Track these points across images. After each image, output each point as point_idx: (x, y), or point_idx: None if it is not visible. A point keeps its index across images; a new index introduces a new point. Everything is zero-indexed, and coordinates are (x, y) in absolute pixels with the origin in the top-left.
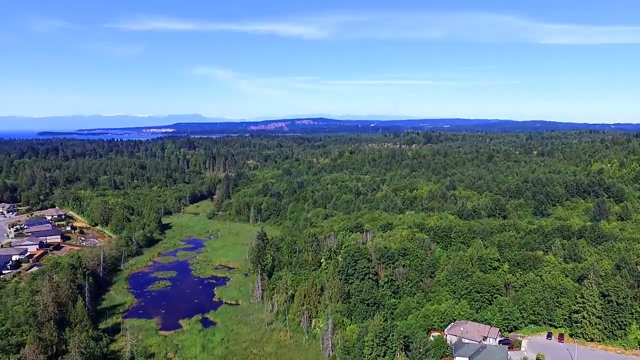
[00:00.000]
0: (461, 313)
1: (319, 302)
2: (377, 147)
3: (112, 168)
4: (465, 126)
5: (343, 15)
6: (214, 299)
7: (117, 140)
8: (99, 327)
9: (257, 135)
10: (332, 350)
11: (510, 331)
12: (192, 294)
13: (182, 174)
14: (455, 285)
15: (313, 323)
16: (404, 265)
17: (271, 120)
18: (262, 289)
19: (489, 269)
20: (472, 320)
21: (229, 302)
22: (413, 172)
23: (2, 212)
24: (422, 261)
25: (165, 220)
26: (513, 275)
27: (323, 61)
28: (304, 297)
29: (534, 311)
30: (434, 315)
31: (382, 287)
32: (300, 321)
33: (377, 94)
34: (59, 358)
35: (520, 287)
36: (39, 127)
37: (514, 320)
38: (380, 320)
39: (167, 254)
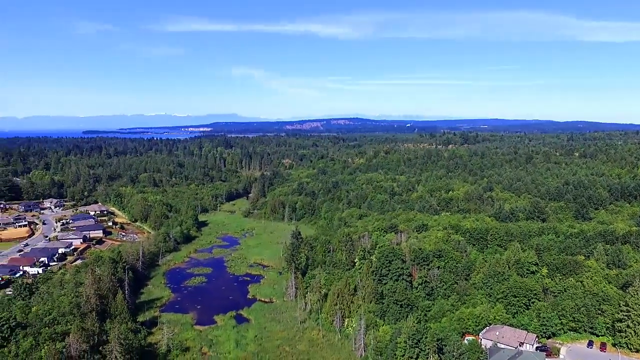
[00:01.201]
0: (497, 317)
1: (352, 301)
2: (412, 148)
3: (151, 166)
4: (503, 126)
5: (378, 14)
6: (248, 296)
7: (157, 139)
8: (138, 320)
9: (293, 135)
10: (364, 351)
11: (548, 338)
12: (227, 290)
13: (219, 172)
14: (491, 288)
15: (346, 323)
16: (438, 267)
17: (307, 120)
18: (295, 288)
19: (527, 273)
20: (508, 325)
21: (262, 299)
22: (449, 173)
23: (50, 207)
24: (457, 263)
25: (201, 218)
26: (552, 280)
27: (359, 61)
28: (337, 297)
29: (573, 318)
30: (468, 319)
31: (416, 288)
32: (333, 320)
33: (413, 93)
34: (100, 348)
35: (559, 293)
36: (84, 126)
37: (552, 327)
38: (414, 321)
39: (203, 251)
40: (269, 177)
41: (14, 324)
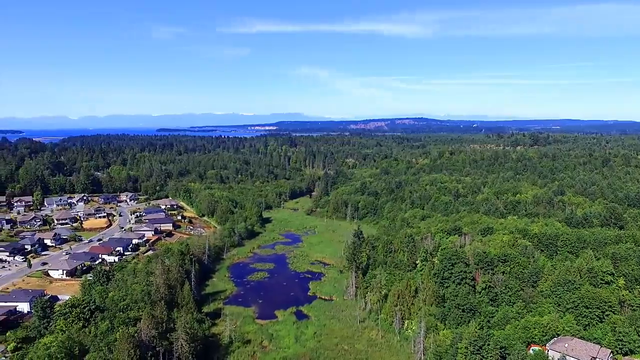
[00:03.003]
0: (566, 328)
1: (412, 303)
2: (479, 148)
3: (219, 163)
4: (577, 127)
5: (444, 12)
6: (308, 293)
7: (224, 137)
8: (202, 311)
9: (357, 134)
10: (423, 354)
11: (625, 354)
12: (288, 286)
13: (283, 170)
14: (560, 297)
15: (405, 324)
16: (503, 272)
17: (371, 119)
18: (356, 287)
19: (601, 283)
20: (578, 337)
21: (323, 297)
22: (517, 175)
23: (125, 200)
24: (523, 269)
25: (265, 214)
26: (630, 292)
27: (424, 60)
28: (398, 298)
29: None
30: (534, 328)
31: (479, 293)
32: (392, 321)
33: (480, 93)
34: (168, 335)
35: (638, 307)
36: (158, 124)
37: (629, 343)
38: (476, 327)
39: (266, 247)
40: (332, 176)
41: (93, 307)
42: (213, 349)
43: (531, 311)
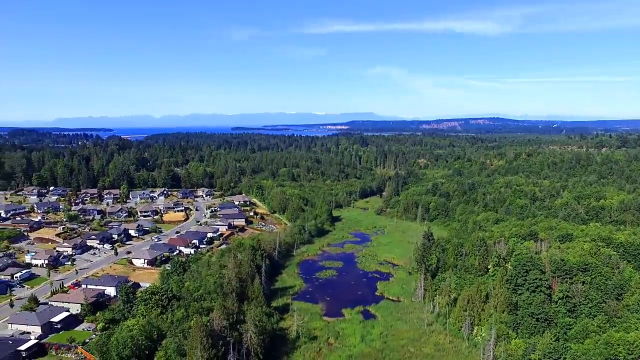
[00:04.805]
0: None
1: (482, 309)
2: (559, 150)
3: (290, 161)
4: None
5: (526, 7)
6: (376, 293)
7: (297, 135)
8: (271, 305)
9: (429, 134)
10: None
11: None
12: (356, 285)
13: (354, 169)
14: None
15: (475, 330)
16: (583, 282)
17: (444, 119)
18: (424, 289)
19: None
20: None
21: (390, 297)
22: (601, 179)
23: (202, 195)
24: (607, 280)
25: (335, 213)
26: None
27: (502, 58)
28: (467, 303)
29: None
30: (619, 345)
31: (556, 302)
32: (461, 326)
33: (561, 91)
34: (238, 326)
35: None
36: (233, 123)
37: None
38: (551, 339)
39: (335, 245)
40: (403, 176)
41: (170, 295)
42: (280, 343)
43: (615, 326)
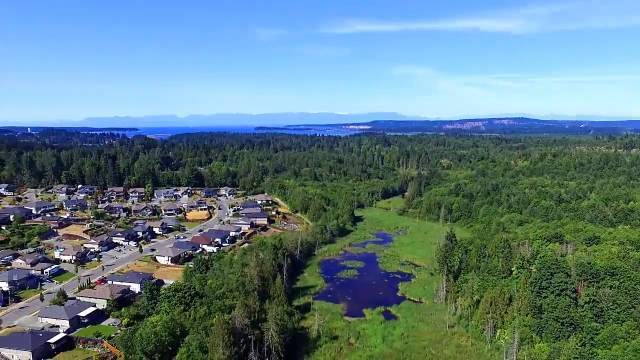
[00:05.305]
0: None
1: (505, 312)
2: (586, 151)
3: (313, 161)
4: None
5: (554, 4)
6: (397, 294)
7: (319, 135)
8: (293, 304)
9: (453, 134)
10: None
11: None
12: (377, 286)
13: (376, 169)
14: None
15: (497, 333)
16: (611, 286)
17: (468, 119)
18: (446, 290)
19: None
20: None
21: (412, 298)
22: (631, 181)
23: (224, 194)
24: (636, 284)
25: (357, 213)
26: None
27: (528, 57)
28: (490, 305)
29: None
30: None
31: (582, 307)
32: (483, 329)
33: (588, 91)
34: (259, 324)
35: None
36: (256, 122)
37: None
38: (577, 343)
39: (357, 245)
40: (426, 176)
41: (193, 292)
42: (301, 342)
43: None
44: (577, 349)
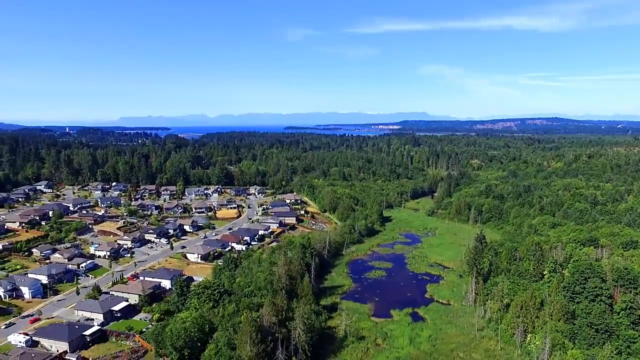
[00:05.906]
0: None
1: (537, 316)
2: (623, 152)
3: (342, 161)
4: None
5: (588, 1)
6: (425, 295)
7: (348, 135)
8: (320, 303)
9: (483, 135)
10: None
11: None
12: (405, 287)
13: (406, 169)
14: None
15: (528, 338)
16: None
17: (499, 119)
18: (475, 293)
19: None
20: None
21: (440, 300)
22: None
23: (254, 193)
24: None
25: (386, 213)
26: None
27: (562, 55)
28: (521, 309)
29: None
30: None
31: (618, 313)
32: (513, 333)
33: (627, 90)
34: (286, 323)
35: None
36: (286, 122)
37: None
38: (612, 351)
39: (385, 246)
40: (456, 177)
41: (222, 290)
42: (328, 342)
43: None
44: (612, 357)
